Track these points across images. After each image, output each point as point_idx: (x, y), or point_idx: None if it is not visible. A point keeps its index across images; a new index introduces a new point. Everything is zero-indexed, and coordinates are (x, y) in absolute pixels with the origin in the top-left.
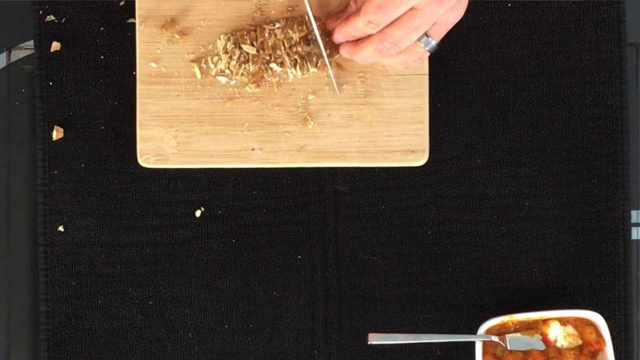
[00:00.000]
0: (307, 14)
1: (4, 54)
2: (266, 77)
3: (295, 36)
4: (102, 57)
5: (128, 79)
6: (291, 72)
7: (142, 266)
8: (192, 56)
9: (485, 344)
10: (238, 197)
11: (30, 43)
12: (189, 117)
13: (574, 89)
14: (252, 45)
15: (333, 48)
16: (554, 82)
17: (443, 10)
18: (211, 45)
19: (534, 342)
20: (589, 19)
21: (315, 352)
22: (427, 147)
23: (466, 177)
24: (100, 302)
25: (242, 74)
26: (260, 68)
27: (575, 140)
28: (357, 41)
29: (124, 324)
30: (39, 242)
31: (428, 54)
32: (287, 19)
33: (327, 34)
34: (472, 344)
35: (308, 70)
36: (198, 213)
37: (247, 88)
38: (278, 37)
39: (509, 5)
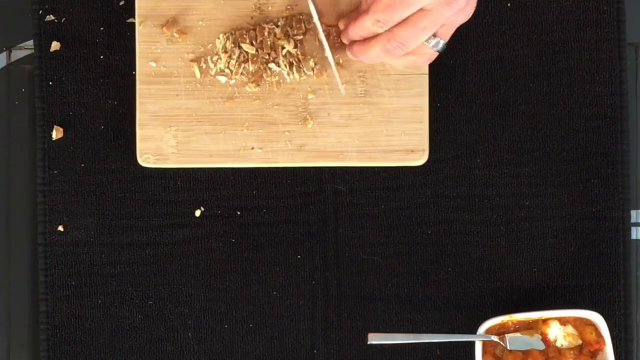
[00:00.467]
0: (312, 14)
1: (4, 54)
2: (265, 78)
3: (292, 42)
4: (102, 57)
5: (128, 79)
6: (288, 76)
7: (142, 266)
8: (191, 56)
9: (485, 344)
10: (238, 197)
11: (30, 43)
12: (189, 117)
13: (574, 89)
14: (252, 44)
15: (335, 48)
16: (554, 82)
17: (452, 12)
18: (211, 45)
19: (534, 342)
20: (589, 19)
21: (315, 352)
22: (427, 147)
23: (466, 177)
24: (100, 302)
25: (241, 74)
26: (259, 68)
27: (575, 140)
28: (366, 41)
29: (124, 324)
30: (39, 242)
31: (437, 54)
32: (286, 18)
33: (329, 34)
34: (472, 344)
35: (305, 73)
36: (198, 213)
37: (247, 88)
38: (278, 36)
39: (509, 5)
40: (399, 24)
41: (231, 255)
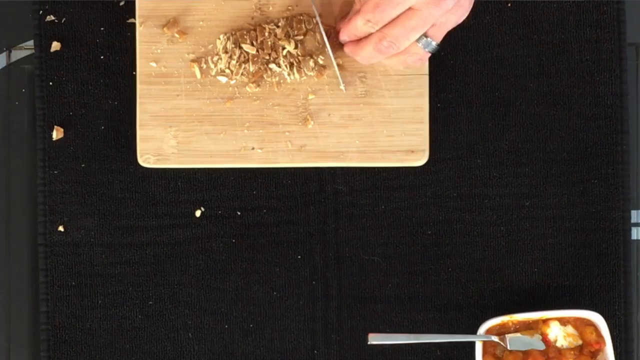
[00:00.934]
0: (314, 11)
1: (4, 54)
2: (265, 78)
3: (292, 42)
4: (102, 57)
5: (128, 79)
6: (288, 76)
7: (142, 266)
8: (192, 56)
9: (485, 344)
10: (238, 197)
11: (30, 43)
12: (189, 117)
13: (574, 89)
14: (252, 44)
15: (335, 48)
16: (554, 82)
17: (440, 12)
18: (211, 45)
19: (534, 342)
20: (589, 19)
21: (315, 352)
22: (427, 147)
23: (466, 177)
24: (100, 302)
25: (242, 74)
26: (260, 68)
27: (575, 140)
28: (359, 41)
29: (124, 324)
30: (39, 242)
31: (429, 55)
32: (287, 18)
33: (329, 34)
34: (472, 344)
35: (305, 74)
36: (198, 213)
37: (247, 88)
38: (278, 36)
39: (509, 5)
40: (389, 23)
41: (231, 255)
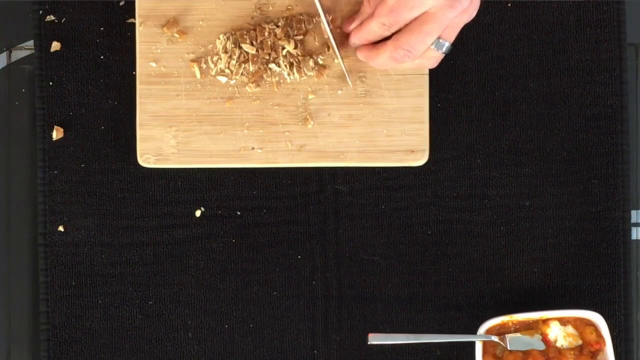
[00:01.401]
0: (317, 7)
1: (4, 54)
2: (265, 78)
3: (292, 42)
4: (102, 57)
5: (128, 79)
6: (288, 76)
7: (142, 266)
8: (192, 56)
9: (485, 344)
10: (238, 197)
11: (30, 43)
12: (189, 117)
13: (574, 89)
14: (252, 44)
15: (338, 45)
16: (554, 82)
17: (455, 13)
18: (211, 45)
19: (534, 342)
20: (589, 19)
21: (315, 352)
22: (427, 147)
23: (466, 177)
24: (100, 302)
25: (241, 74)
26: (259, 68)
27: (575, 140)
28: (373, 45)
29: (124, 324)
30: (39, 242)
31: (443, 55)
32: (286, 18)
33: (332, 32)
34: (472, 344)
35: (305, 73)
36: (198, 213)
37: (247, 88)
38: (278, 36)
39: (509, 5)
40: (404, 29)
41: (231, 255)
